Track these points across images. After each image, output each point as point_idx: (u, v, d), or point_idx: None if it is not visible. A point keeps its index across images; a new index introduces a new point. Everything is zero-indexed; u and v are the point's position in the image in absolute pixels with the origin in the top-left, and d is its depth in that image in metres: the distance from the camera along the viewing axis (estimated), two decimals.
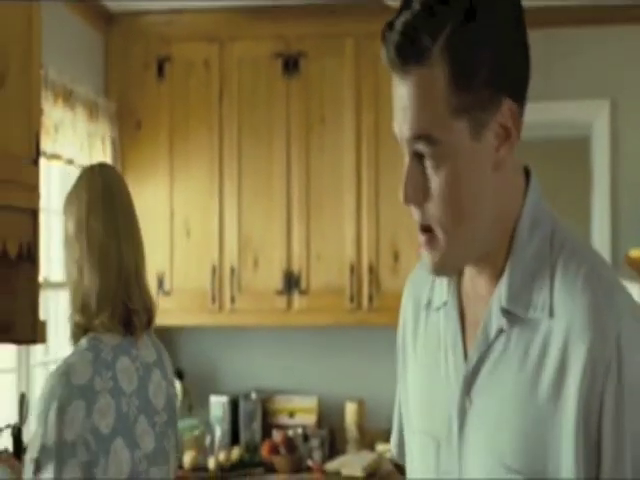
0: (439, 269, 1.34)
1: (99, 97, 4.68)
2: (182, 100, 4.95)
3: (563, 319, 1.24)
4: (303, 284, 4.84)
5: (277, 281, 4.87)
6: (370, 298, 4.75)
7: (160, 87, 4.96)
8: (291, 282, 4.86)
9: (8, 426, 3.65)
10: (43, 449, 2.19)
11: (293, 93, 4.87)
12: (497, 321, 1.30)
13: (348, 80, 4.81)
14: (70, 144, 4.25)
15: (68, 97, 4.22)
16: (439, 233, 1.30)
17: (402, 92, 1.28)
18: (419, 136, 1.27)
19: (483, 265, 1.35)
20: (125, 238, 2.43)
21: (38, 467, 2.19)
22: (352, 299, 4.77)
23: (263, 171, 4.91)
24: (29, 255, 3.34)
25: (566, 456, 1.21)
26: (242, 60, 4.90)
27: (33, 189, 3.35)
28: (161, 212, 4.95)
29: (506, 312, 1.30)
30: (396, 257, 4.73)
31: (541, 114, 4.75)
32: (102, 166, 2.61)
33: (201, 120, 4.93)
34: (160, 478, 2.40)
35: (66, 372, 2.25)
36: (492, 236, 1.33)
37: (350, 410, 4.82)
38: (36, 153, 3.34)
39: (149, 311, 2.46)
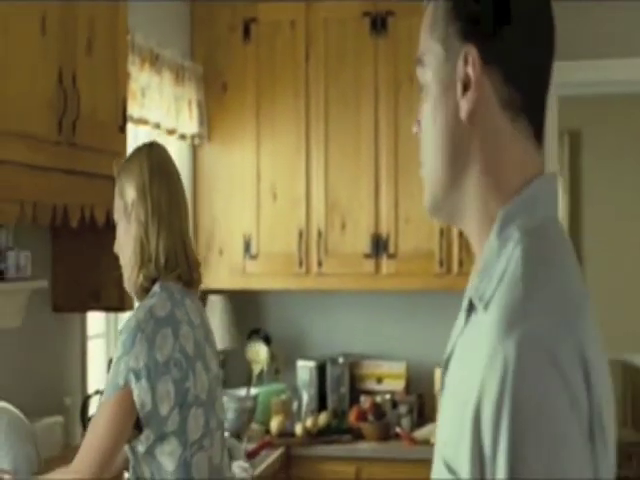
0: (427, 209, 1.34)
1: (185, 60, 4.64)
2: (268, 62, 4.88)
3: (490, 315, 1.15)
4: (391, 248, 4.76)
5: (365, 244, 4.80)
6: (460, 262, 4.66)
7: (246, 49, 4.90)
8: (379, 245, 4.78)
9: (97, 392, 3.66)
10: (130, 374, 2.38)
11: (381, 53, 4.77)
12: (465, 308, 1.25)
13: None
14: (157, 108, 4.22)
15: (154, 61, 4.18)
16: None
17: None
18: (418, 60, 1.29)
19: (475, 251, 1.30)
20: (182, 198, 2.63)
21: (122, 388, 2.38)
22: (441, 263, 4.69)
23: (350, 132, 4.83)
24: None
25: (464, 456, 1.12)
26: (329, 20, 4.80)
27: (120, 156, 3.33)
28: (248, 175, 4.91)
29: (470, 301, 1.23)
30: None
31: None
32: (155, 143, 2.73)
33: (287, 81, 4.86)
34: (221, 397, 2.69)
35: (149, 309, 2.46)
36: (460, 202, 1.27)
37: (440, 376, 4.73)
38: (123, 120, 3.33)
39: (200, 270, 2.68)
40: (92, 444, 2.40)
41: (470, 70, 1.22)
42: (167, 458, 2.45)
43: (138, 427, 2.44)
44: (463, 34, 1.23)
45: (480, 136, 1.23)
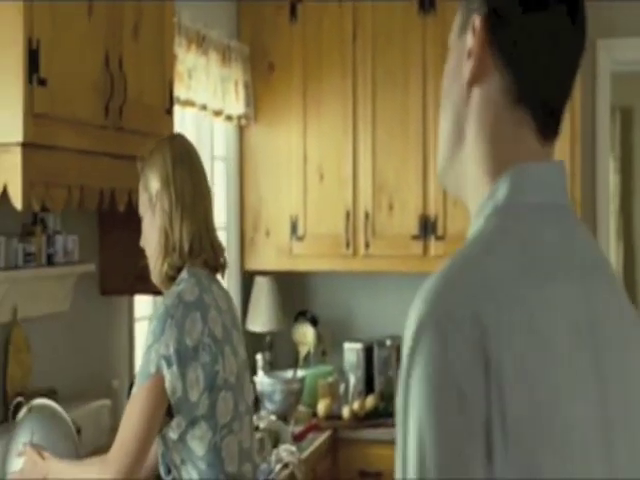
0: (438, 178, 1.33)
1: (232, 41, 4.60)
2: (315, 41, 4.83)
3: None
4: (440, 229, 4.71)
5: (413, 226, 4.75)
6: None
7: (293, 28, 4.85)
8: (427, 227, 4.73)
9: None
10: (162, 361, 2.40)
11: (429, 32, 4.69)
12: None
13: None
14: (203, 90, 4.20)
15: (201, 42, 4.16)
16: None
17: None
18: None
19: None
20: (206, 186, 2.66)
21: (151, 378, 2.39)
22: None
23: (398, 112, 4.77)
24: None
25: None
26: None
27: None
28: (294, 156, 4.88)
29: None
30: None
31: None
32: (178, 135, 2.80)
33: (334, 61, 4.81)
34: (249, 383, 2.69)
35: (178, 294, 2.48)
36: (460, 175, 1.26)
37: None
38: (170, 102, 3.31)
39: (224, 256, 2.70)
40: (127, 434, 2.40)
41: (470, 38, 1.22)
42: (197, 443, 2.47)
43: (169, 414, 2.46)
44: (477, 8, 1.23)
45: (476, 110, 1.22)
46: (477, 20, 1.21)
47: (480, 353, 1.04)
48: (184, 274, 2.55)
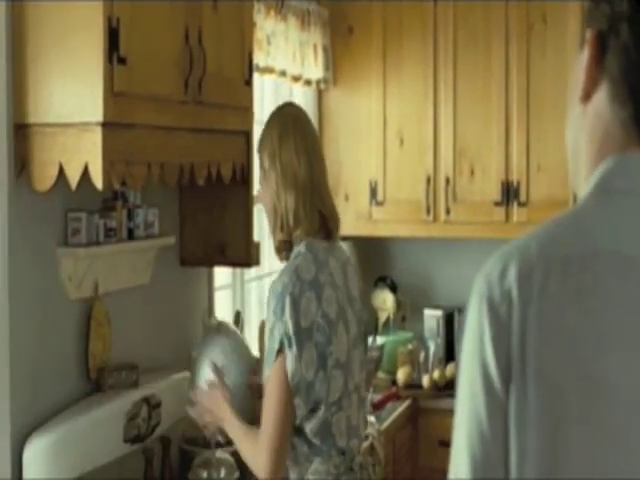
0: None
1: (311, 4, 4.53)
2: (394, 3, 4.73)
3: None
4: (522, 196, 4.62)
5: (495, 192, 4.67)
6: None
7: None
8: (510, 193, 4.64)
9: None
10: (284, 339, 2.49)
11: None
12: None
13: None
14: (282, 55, 4.15)
15: (280, 8, 4.10)
16: None
17: None
18: None
19: None
20: (314, 155, 2.70)
21: (278, 355, 2.49)
22: None
23: (480, 75, 4.67)
24: (242, 177, 3.30)
25: None
26: None
27: (246, 111, 3.29)
28: (374, 120, 4.81)
29: None
30: None
31: None
32: (290, 104, 2.91)
33: (414, 24, 4.72)
34: (359, 360, 2.71)
35: (295, 270, 2.55)
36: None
37: None
38: (249, 74, 3.27)
39: (337, 218, 2.76)
40: (272, 414, 2.51)
41: (584, 54, 1.21)
42: (311, 420, 2.56)
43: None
44: (590, 23, 1.23)
45: (588, 127, 1.22)
46: (588, 34, 1.20)
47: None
48: (301, 247, 2.62)
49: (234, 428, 2.66)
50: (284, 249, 2.68)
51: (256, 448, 2.54)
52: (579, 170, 1.24)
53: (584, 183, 1.22)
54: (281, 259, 2.72)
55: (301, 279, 2.53)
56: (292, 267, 2.57)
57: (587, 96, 1.21)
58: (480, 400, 1.11)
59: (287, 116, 2.74)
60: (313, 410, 2.54)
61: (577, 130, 1.24)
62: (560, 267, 1.10)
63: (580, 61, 1.22)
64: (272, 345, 2.51)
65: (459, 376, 1.16)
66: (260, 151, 2.73)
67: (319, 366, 2.52)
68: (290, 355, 2.48)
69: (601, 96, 1.20)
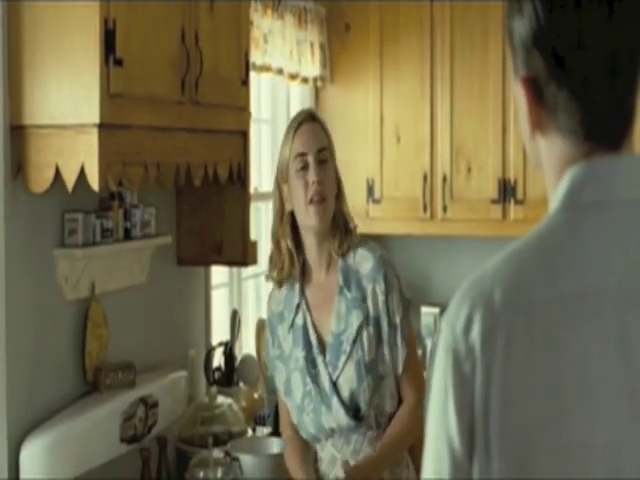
0: None
1: (308, 2, 4.52)
2: (391, 0, 4.72)
3: None
4: (519, 193, 4.62)
5: (491, 189, 4.66)
6: None
7: None
8: (506, 191, 4.64)
9: (220, 344, 3.67)
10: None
11: None
12: None
13: None
14: (279, 53, 4.14)
15: (277, 6, 4.09)
16: None
17: None
18: None
19: None
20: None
21: None
22: None
23: (476, 73, 4.66)
24: (239, 176, 3.30)
25: None
26: None
27: (243, 110, 3.29)
28: (371, 118, 4.81)
29: None
30: None
31: None
32: (307, 110, 2.88)
33: (411, 21, 4.71)
34: None
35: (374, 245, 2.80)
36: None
37: None
38: (245, 74, 3.27)
39: None
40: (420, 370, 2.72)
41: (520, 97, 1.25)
42: None
43: None
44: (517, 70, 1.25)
45: (544, 151, 1.25)
46: (520, 85, 1.20)
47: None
48: None
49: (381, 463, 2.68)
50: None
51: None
52: (548, 181, 1.23)
53: (551, 191, 1.21)
54: None
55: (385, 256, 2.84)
56: (371, 243, 2.81)
57: (534, 133, 1.22)
58: (445, 465, 1.09)
59: (300, 118, 2.78)
60: None
61: (531, 141, 1.25)
62: (525, 319, 1.08)
63: (518, 95, 1.22)
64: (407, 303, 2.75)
65: (426, 430, 1.14)
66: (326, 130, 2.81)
67: None
68: None
69: (551, 133, 1.20)
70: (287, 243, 2.75)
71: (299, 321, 2.77)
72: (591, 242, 1.13)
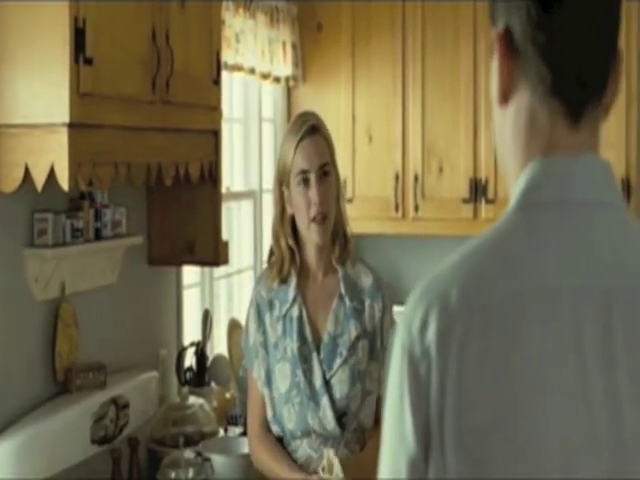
0: None
1: (279, 2, 4.52)
2: (363, 1, 4.72)
3: None
4: (490, 193, 4.63)
5: (463, 189, 4.68)
6: None
7: None
8: (478, 190, 4.66)
9: (192, 344, 3.66)
10: None
11: None
12: None
13: None
14: (251, 53, 4.13)
15: (249, 5, 4.08)
16: None
17: None
18: None
19: None
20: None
21: None
22: None
23: (448, 73, 4.68)
24: (210, 176, 3.29)
25: None
26: None
27: (214, 110, 3.28)
28: (343, 117, 4.81)
29: None
30: None
31: None
32: (310, 122, 2.79)
33: (383, 20, 4.71)
34: None
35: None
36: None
37: None
38: (217, 73, 3.26)
39: None
40: None
41: (494, 58, 1.21)
42: None
43: None
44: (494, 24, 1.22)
45: (511, 123, 1.22)
46: (494, 33, 1.17)
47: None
48: None
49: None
50: None
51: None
52: (509, 176, 1.20)
53: (513, 189, 1.18)
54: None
55: None
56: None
57: (505, 97, 1.18)
58: (402, 464, 1.08)
59: (298, 120, 2.81)
60: None
61: (501, 135, 1.21)
62: (480, 319, 1.06)
63: (493, 67, 1.19)
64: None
65: (382, 431, 1.13)
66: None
67: None
68: None
69: (521, 92, 1.16)
70: (287, 242, 2.76)
71: (294, 313, 2.76)
72: (549, 242, 1.11)
